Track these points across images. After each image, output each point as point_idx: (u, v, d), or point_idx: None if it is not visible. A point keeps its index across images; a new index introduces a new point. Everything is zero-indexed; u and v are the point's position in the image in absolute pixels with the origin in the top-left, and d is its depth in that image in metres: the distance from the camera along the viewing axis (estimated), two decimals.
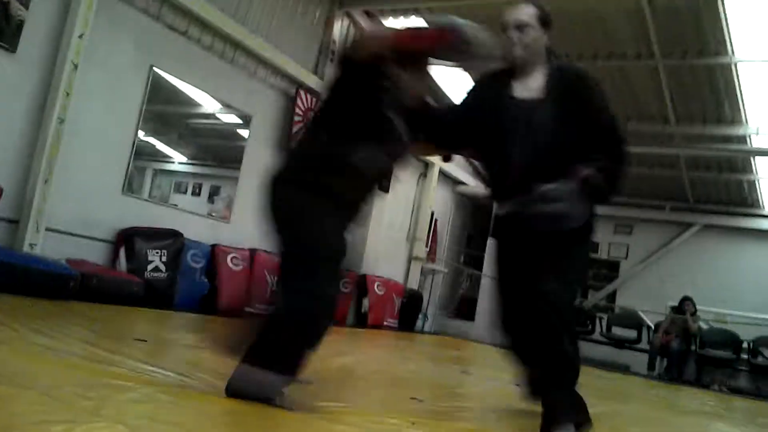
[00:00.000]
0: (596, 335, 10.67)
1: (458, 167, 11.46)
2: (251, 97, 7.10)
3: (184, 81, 6.46)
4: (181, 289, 5.95)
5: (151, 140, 6.73)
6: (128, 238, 5.70)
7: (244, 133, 7.26)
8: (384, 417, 2.44)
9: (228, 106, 7.07)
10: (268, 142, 7.34)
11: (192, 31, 6.28)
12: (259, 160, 7.22)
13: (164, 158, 7.32)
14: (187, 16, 6.15)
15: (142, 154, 6.27)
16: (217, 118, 7.46)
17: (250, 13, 6.81)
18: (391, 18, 8.32)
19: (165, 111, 6.72)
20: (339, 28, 7.91)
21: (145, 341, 3.38)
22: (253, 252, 6.90)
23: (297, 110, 7.41)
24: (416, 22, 8.18)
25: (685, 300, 9.63)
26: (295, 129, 7.39)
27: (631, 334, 10.49)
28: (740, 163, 10.13)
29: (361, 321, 8.45)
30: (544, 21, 2.73)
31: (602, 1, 7.10)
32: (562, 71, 2.73)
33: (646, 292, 11.44)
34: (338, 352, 4.92)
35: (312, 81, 7.62)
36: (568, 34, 7.83)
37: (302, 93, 7.47)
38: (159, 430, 1.72)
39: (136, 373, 2.39)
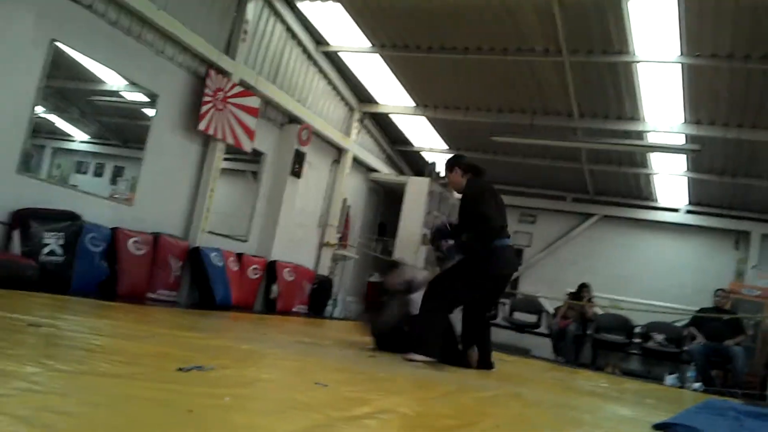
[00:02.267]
0: (499, 320, 11.03)
1: (372, 155, 11.53)
2: (158, 75, 6.87)
3: (88, 56, 6.18)
4: (78, 274, 5.71)
5: (51, 117, 6.42)
6: (22, 220, 5.42)
7: (150, 112, 7.02)
8: (285, 405, 2.44)
9: (133, 84, 6.82)
10: (176, 122, 7.14)
11: (97, 4, 6.01)
12: (165, 140, 7.03)
13: (65, 136, 7.01)
14: None
15: (41, 131, 5.98)
16: (122, 96, 7.19)
17: None
18: (306, 1, 8.26)
19: (66, 87, 6.42)
20: (253, 8, 7.76)
21: (40, 327, 3.25)
22: (156, 236, 6.72)
23: (206, 90, 7.22)
24: (332, 8, 8.15)
25: (583, 287, 10.09)
26: (204, 109, 7.20)
27: (532, 318, 10.90)
28: (638, 158, 10.68)
29: (270, 307, 8.40)
30: (450, 169, 5.32)
31: None
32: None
33: (547, 278, 11.93)
34: (244, 339, 4.87)
35: (223, 61, 7.45)
36: (480, 28, 8.02)
37: (213, 73, 7.29)
38: (48, 420, 1.66)
39: (27, 361, 2.29)
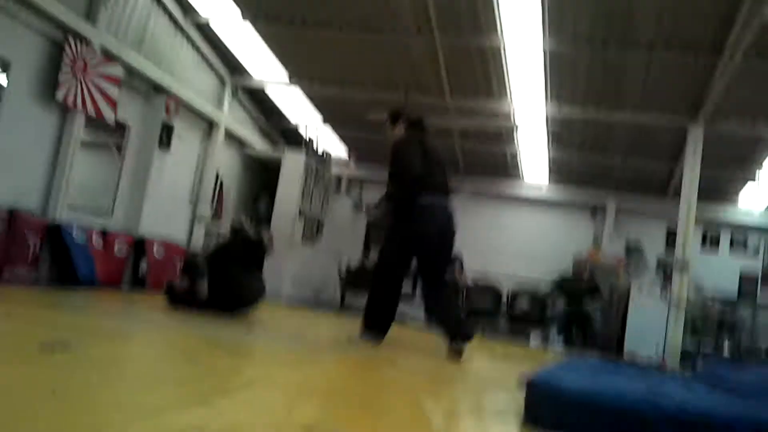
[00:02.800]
0: None
1: (246, 129, 11.29)
2: (12, 41, 6.33)
3: None
4: None
5: None
6: None
7: (2, 81, 6.48)
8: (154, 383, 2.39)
9: None
10: (31, 91, 6.63)
11: None
12: (20, 111, 6.54)
13: None
14: None
15: None
16: None
17: None
18: None
19: None
20: None
21: None
22: (12, 212, 6.26)
23: (65, 58, 6.76)
24: None
25: (454, 258, 10.46)
26: (62, 78, 6.74)
27: (406, 288, 11.17)
28: (504, 135, 11.15)
29: (139, 285, 8.07)
30: (393, 120, 5.10)
31: None
32: None
33: None
34: (111, 317, 4.68)
35: (84, 28, 6.99)
36: (354, 5, 8.03)
37: (72, 40, 6.83)
38: None
39: None
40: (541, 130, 10.37)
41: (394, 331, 4.81)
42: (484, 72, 9.07)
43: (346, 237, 12.42)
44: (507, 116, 10.12)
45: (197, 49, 9.38)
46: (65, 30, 6.82)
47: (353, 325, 5.10)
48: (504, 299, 10.97)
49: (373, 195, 12.85)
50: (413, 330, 8.12)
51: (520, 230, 12.45)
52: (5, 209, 6.20)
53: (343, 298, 11.07)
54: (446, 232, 4.79)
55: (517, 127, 10.49)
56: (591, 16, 7.55)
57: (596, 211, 12.21)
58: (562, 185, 12.31)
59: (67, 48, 6.77)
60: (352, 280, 11.21)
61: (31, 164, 6.81)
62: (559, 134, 10.29)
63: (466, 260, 10.68)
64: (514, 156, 11.88)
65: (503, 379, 4.15)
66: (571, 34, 7.90)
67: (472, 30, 8.16)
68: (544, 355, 8.00)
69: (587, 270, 9.97)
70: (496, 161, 12.20)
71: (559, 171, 12.03)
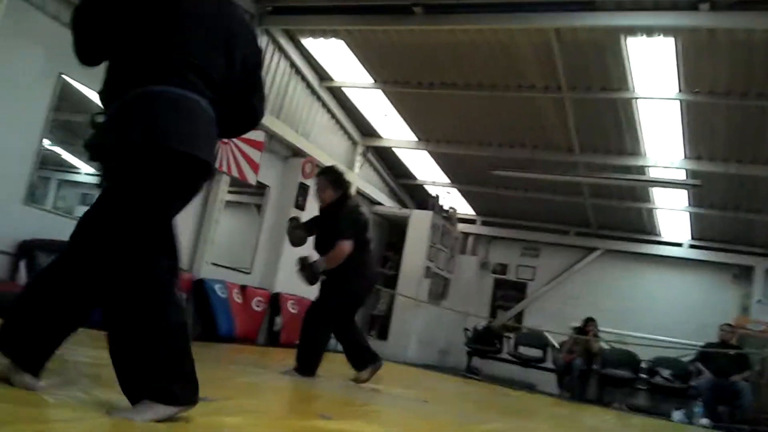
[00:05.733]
0: (504, 354, 10.97)
1: (375, 188, 11.60)
2: None
3: (93, 89, 6.29)
4: None
5: (57, 150, 6.49)
6: (29, 251, 5.45)
7: None
8: None
9: None
10: None
11: None
12: None
13: (70, 168, 7.07)
14: None
15: (47, 163, 6.04)
16: None
17: None
18: (310, 38, 8.41)
19: (73, 120, 6.50)
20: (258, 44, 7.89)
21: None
22: None
23: None
24: (336, 45, 8.30)
25: (588, 321, 10.02)
26: None
27: (537, 353, 10.83)
28: (639, 192, 10.72)
29: (274, 339, 8.38)
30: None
31: (513, 35, 7.44)
32: None
33: (552, 312, 11.86)
34: (247, 371, 4.87)
35: None
36: (480, 65, 8.16)
37: None
38: None
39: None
40: (678, 186, 9.88)
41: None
42: (616, 127, 8.84)
43: (473, 297, 12.30)
44: (641, 172, 9.75)
45: (331, 113, 9.85)
46: None
47: (484, 393, 5.00)
48: (642, 368, 10.23)
49: (500, 253, 12.88)
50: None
51: (658, 293, 11.74)
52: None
53: (469, 361, 10.88)
54: None
55: (652, 183, 10.06)
56: (728, 70, 7.20)
57: (743, 274, 11.32)
58: (704, 245, 11.57)
59: None
60: (479, 342, 11.02)
61: (179, 223, 7.29)
62: (699, 190, 9.74)
63: (600, 324, 10.17)
64: (651, 213, 11.36)
65: None
66: (708, 86, 7.56)
67: (601, 87, 8.02)
68: (689, 431, 7.42)
69: (735, 339, 9.20)
70: (630, 219, 11.71)
71: (700, 229, 11.34)
